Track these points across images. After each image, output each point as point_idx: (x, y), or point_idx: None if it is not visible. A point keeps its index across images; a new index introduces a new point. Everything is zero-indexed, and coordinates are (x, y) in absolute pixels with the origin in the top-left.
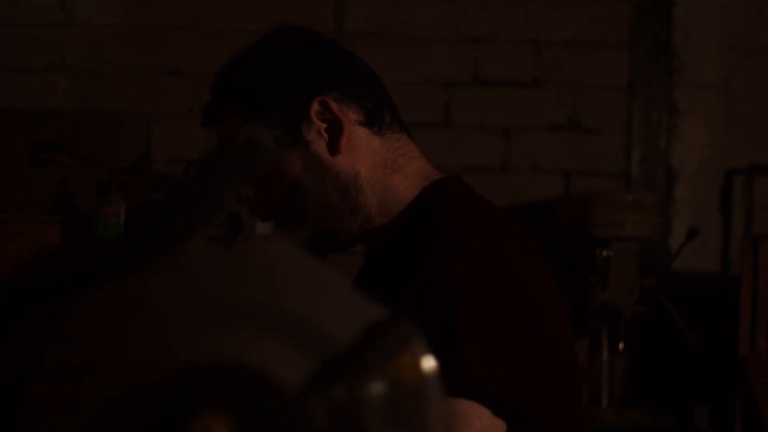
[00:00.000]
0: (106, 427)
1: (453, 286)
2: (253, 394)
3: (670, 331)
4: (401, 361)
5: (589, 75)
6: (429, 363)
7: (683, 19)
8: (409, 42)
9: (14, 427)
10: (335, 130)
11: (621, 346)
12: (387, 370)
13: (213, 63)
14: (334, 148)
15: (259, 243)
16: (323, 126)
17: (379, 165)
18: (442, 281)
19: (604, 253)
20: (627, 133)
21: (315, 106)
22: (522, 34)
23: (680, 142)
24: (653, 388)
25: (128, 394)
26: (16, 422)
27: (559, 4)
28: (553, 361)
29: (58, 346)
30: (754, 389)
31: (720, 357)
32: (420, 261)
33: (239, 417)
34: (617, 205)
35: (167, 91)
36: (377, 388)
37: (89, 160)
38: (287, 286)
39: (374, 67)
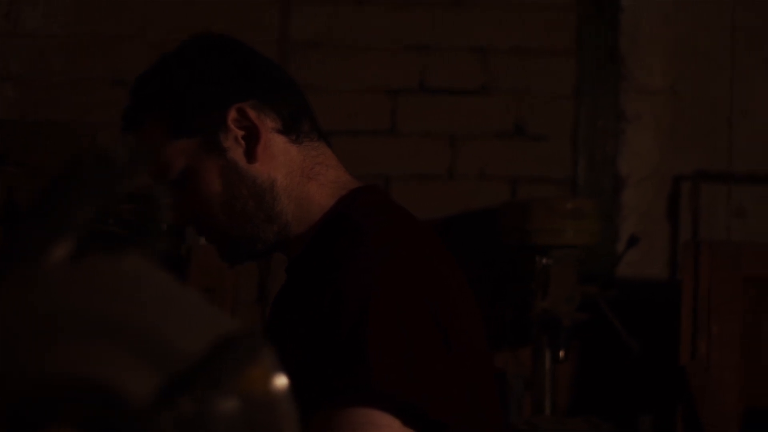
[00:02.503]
0: None
1: (362, 297)
2: (102, 408)
3: (614, 339)
4: (251, 374)
5: (535, 82)
6: (279, 377)
7: (629, 25)
8: (354, 50)
9: None
10: (252, 138)
11: (562, 354)
12: (236, 384)
13: None
14: (250, 155)
15: (110, 257)
16: (240, 133)
17: (295, 173)
18: (351, 291)
19: (544, 260)
20: (574, 140)
21: (232, 114)
22: (468, 42)
23: (627, 148)
24: (599, 396)
25: None
26: None
27: (504, 11)
28: (466, 370)
29: None
30: (695, 397)
31: (662, 364)
32: (331, 271)
33: (87, 431)
34: (556, 213)
35: (112, 101)
36: (227, 402)
37: (35, 169)
38: (137, 300)
39: (320, 75)
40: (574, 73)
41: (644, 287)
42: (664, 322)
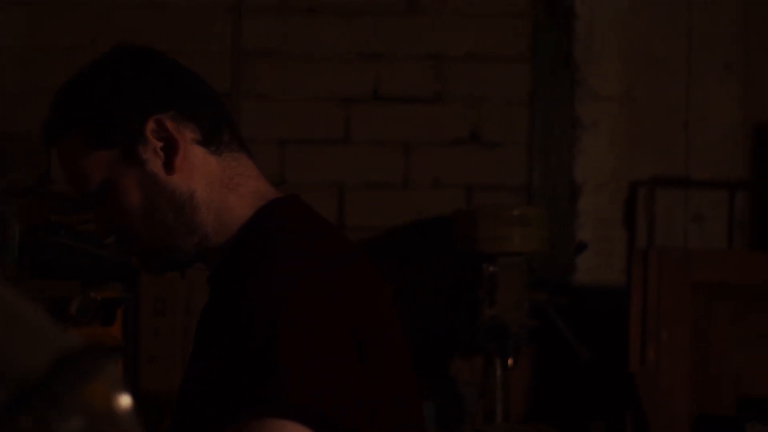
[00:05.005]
0: None
1: (274, 307)
2: None
3: (567, 346)
4: (92, 390)
5: (489, 89)
6: (123, 395)
7: (584, 31)
8: (307, 59)
9: None
10: (171, 149)
11: (510, 362)
12: (77, 400)
13: None
14: (169, 166)
15: None
16: (159, 145)
17: (215, 184)
18: (263, 302)
19: (491, 268)
20: (529, 147)
21: (151, 125)
22: (421, 49)
23: (583, 154)
24: (556, 403)
25: None
26: None
27: (457, 18)
28: (382, 380)
29: None
30: (643, 404)
31: (615, 371)
32: (244, 282)
33: None
34: (502, 220)
35: None
36: (69, 417)
37: None
38: None
39: (273, 84)
40: (528, 79)
41: (601, 294)
42: (619, 329)
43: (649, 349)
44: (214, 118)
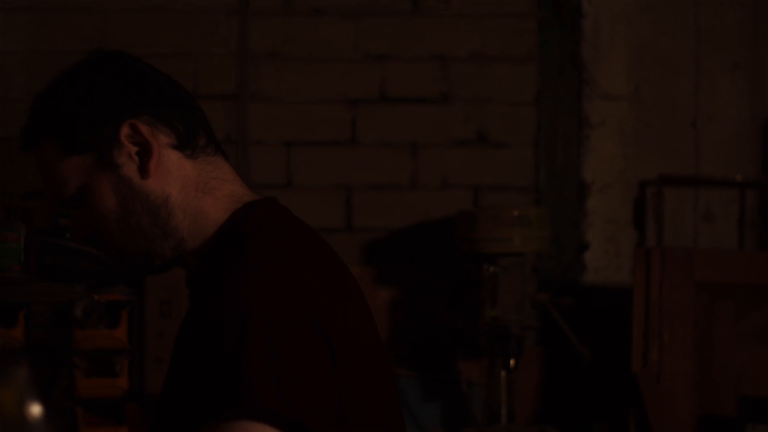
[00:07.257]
0: None
1: (244, 311)
2: None
3: (572, 347)
4: (1, 397)
5: (496, 89)
6: (33, 403)
7: (591, 31)
8: (313, 61)
9: None
10: (145, 153)
11: (512, 362)
12: None
13: None
14: (144, 171)
15: None
16: (134, 149)
17: (190, 188)
18: (233, 306)
19: (491, 269)
20: (536, 147)
21: (125, 129)
22: (427, 50)
23: (591, 154)
24: (563, 405)
25: None
26: None
27: (462, 19)
28: (355, 382)
29: None
30: (645, 404)
31: (616, 371)
32: (215, 285)
33: None
34: (502, 221)
35: None
36: None
37: None
38: None
39: (279, 87)
40: (535, 79)
41: (609, 294)
42: (627, 329)
43: (652, 349)
44: (189, 122)
